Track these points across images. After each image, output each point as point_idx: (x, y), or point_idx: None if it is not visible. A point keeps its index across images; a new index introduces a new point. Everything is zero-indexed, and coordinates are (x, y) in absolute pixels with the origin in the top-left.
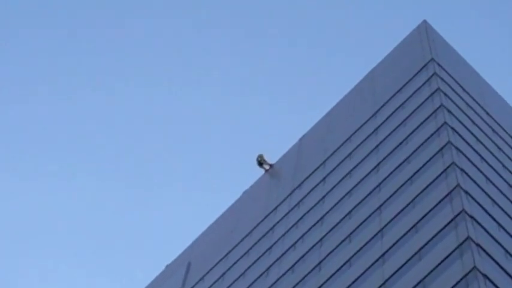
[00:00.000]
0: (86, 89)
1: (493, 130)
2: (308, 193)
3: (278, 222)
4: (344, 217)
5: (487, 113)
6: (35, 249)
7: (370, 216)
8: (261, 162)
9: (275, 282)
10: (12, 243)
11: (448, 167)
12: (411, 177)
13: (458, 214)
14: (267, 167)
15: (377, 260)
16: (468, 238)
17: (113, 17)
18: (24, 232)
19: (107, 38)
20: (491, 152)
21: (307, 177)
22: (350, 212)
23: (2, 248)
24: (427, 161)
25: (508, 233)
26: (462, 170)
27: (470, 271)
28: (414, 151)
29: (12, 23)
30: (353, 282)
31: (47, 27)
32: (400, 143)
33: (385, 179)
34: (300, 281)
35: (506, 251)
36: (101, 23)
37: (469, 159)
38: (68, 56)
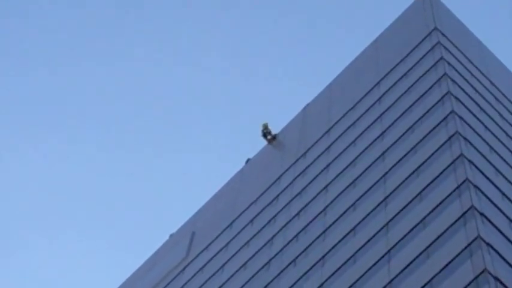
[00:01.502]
0: (90, 60)
1: (497, 99)
2: (312, 162)
3: (282, 191)
4: (348, 186)
5: (491, 82)
6: (40, 220)
7: (374, 185)
8: (265, 134)
9: (280, 251)
10: (18, 215)
11: (451, 136)
12: (415, 146)
13: (462, 183)
14: (271, 138)
15: (381, 229)
16: (472, 207)
17: None
18: (29, 202)
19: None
20: (494, 121)
21: (311, 146)
22: (354, 180)
23: (9, 219)
24: (431, 130)
25: (511, 202)
26: (466, 139)
27: (474, 240)
28: (418, 120)
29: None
30: (357, 250)
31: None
32: (404, 112)
33: (389, 148)
34: (305, 250)
35: (510, 220)
36: None
37: (472, 128)
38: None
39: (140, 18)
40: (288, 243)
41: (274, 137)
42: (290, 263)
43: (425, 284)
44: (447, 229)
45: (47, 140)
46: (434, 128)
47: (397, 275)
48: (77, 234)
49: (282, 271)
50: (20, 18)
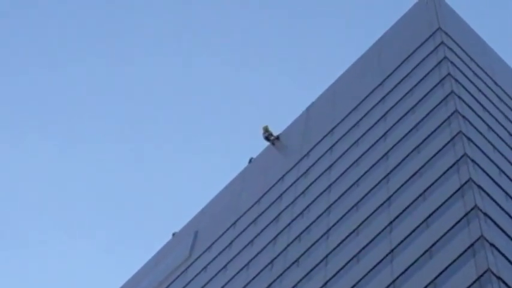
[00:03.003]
0: (93, 60)
1: (500, 99)
2: (315, 162)
3: (286, 190)
4: (351, 186)
5: (494, 82)
6: (42, 217)
7: (377, 184)
8: (267, 137)
9: (283, 250)
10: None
11: (455, 136)
12: (418, 146)
13: (466, 183)
14: (274, 138)
15: (384, 229)
16: (475, 207)
17: None
18: (32, 199)
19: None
20: (498, 121)
21: (314, 146)
22: (357, 180)
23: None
24: (434, 130)
25: None
26: (469, 139)
27: (477, 240)
28: (421, 120)
29: None
30: (360, 250)
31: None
32: (407, 112)
33: (392, 147)
34: (308, 249)
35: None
36: None
37: (476, 128)
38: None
39: (141, 18)
40: (291, 242)
41: (277, 138)
42: (293, 263)
43: (428, 284)
44: (450, 229)
45: (51, 138)
46: (437, 128)
47: (400, 275)
48: (79, 233)
49: (285, 271)
50: (18, 18)
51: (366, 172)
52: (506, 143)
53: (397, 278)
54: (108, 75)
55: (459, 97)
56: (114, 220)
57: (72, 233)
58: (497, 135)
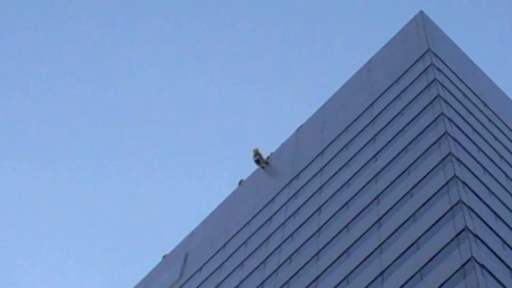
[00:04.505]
0: (81, 87)
1: (490, 120)
2: (306, 183)
3: (276, 212)
4: (342, 207)
5: (484, 103)
6: (30, 243)
7: (367, 206)
8: (258, 160)
9: (273, 272)
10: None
11: (445, 157)
12: (408, 167)
13: (456, 204)
14: (263, 162)
15: (375, 250)
16: (465, 228)
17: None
18: (20, 226)
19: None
20: (488, 142)
21: (304, 168)
22: (348, 202)
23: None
24: (424, 152)
25: (504, 222)
26: (459, 160)
27: (467, 261)
28: (411, 142)
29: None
30: (351, 272)
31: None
32: (397, 134)
33: (382, 169)
34: (298, 271)
35: (503, 240)
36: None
37: (466, 150)
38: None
39: (128, 31)
40: (282, 264)
41: (266, 162)
42: (283, 285)
43: None
44: (441, 250)
45: (39, 164)
46: (427, 150)
47: None
48: (69, 256)
49: None
50: (21, 31)
51: (356, 194)
52: (495, 164)
53: None
54: (95, 97)
55: (449, 119)
56: (104, 243)
57: (63, 256)
58: (487, 156)
